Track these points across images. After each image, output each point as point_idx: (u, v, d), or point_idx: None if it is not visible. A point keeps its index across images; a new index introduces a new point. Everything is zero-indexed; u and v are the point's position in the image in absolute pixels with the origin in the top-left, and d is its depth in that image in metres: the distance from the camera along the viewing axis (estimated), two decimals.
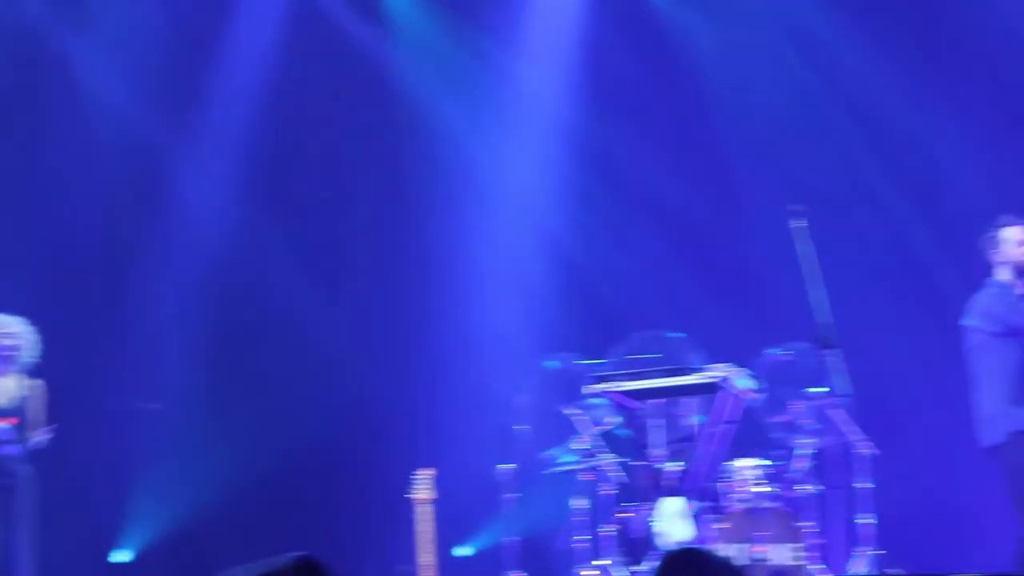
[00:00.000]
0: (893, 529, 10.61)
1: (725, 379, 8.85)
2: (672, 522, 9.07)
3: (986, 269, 12.17)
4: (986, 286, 9.28)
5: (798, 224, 9.13)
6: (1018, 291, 9.12)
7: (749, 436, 10.43)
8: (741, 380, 8.77)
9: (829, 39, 12.59)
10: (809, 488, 10.27)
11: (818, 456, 10.35)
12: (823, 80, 12.63)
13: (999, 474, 9.22)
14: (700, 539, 9.40)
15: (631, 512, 9.91)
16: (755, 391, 9.39)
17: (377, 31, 12.82)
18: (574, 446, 10.28)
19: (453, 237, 12.67)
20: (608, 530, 9.95)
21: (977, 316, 9.15)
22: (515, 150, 12.83)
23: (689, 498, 9.22)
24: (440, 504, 9.96)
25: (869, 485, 10.41)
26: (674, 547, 7.84)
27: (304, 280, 12.46)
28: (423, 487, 9.78)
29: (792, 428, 10.51)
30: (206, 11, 12.49)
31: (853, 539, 10.43)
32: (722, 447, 9.50)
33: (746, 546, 9.80)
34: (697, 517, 9.38)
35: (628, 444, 10.15)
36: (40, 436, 10.13)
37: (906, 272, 12.48)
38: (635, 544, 9.76)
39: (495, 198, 12.79)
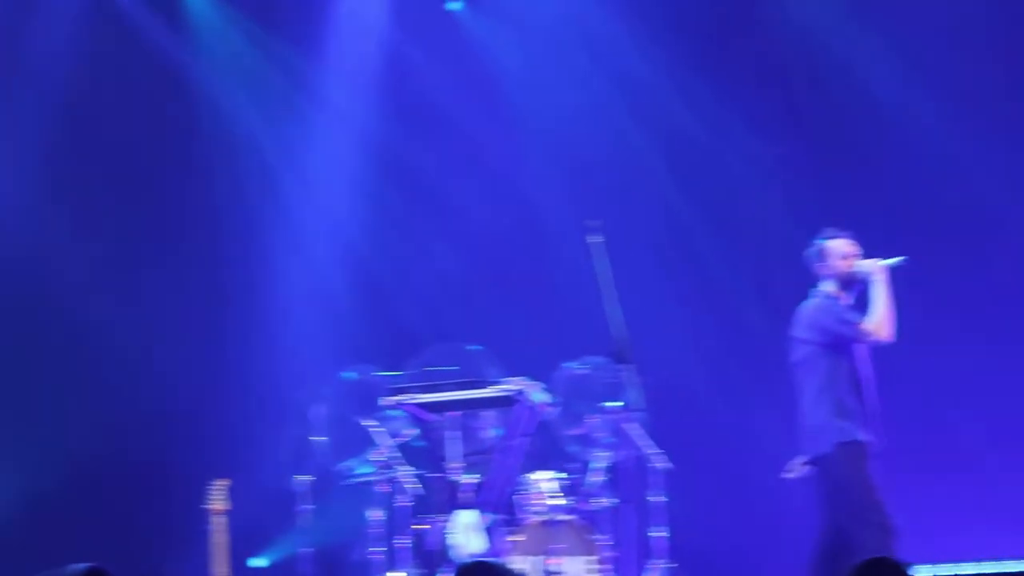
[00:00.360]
0: (685, 543, 10.76)
1: (521, 392, 8.88)
2: (467, 534, 9.07)
3: (777, 284, 12.50)
4: (811, 297, 9.32)
5: (594, 239, 9.20)
6: (843, 303, 9.17)
7: (545, 449, 10.49)
8: (536, 393, 8.80)
9: (628, 53, 12.72)
10: (604, 501, 10.36)
11: (613, 470, 10.44)
12: (622, 93, 12.75)
13: (817, 486, 9.26)
14: (494, 552, 9.41)
15: (427, 524, 9.90)
16: (550, 404, 9.44)
17: (179, 37, 12.64)
18: (371, 458, 10.24)
19: (252, 246, 12.52)
20: (404, 542, 9.93)
21: (805, 328, 9.18)
22: (316, 160, 12.74)
23: (484, 511, 9.23)
24: (235, 515, 9.85)
25: (662, 499, 10.55)
26: (467, 559, 7.86)
27: (98, 284, 12.19)
28: (218, 498, 9.67)
29: (588, 441, 10.59)
30: (3, 8, 12.20)
31: (646, 552, 10.55)
32: (518, 460, 9.52)
33: (541, 559, 9.84)
34: (491, 530, 9.39)
35: (424, 456, 10.13)
36: None
37: (701, 287, 12.65)
38: (430, 556, 9.75)
39: (295, 208, 12.68)
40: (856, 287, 9.22)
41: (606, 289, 9.02)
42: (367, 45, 12.69)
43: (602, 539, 10.20)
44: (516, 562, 9.66)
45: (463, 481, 9.72)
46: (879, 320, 8.98)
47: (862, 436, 8.96)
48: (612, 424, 10.49)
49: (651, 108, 12.76)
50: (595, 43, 12.73)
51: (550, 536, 9.90)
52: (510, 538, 9.79)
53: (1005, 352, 12.02)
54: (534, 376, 9.80)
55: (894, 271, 9.16)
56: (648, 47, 12.67)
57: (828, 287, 9.21)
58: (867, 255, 9.26)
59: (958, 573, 6.64)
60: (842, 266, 9.15)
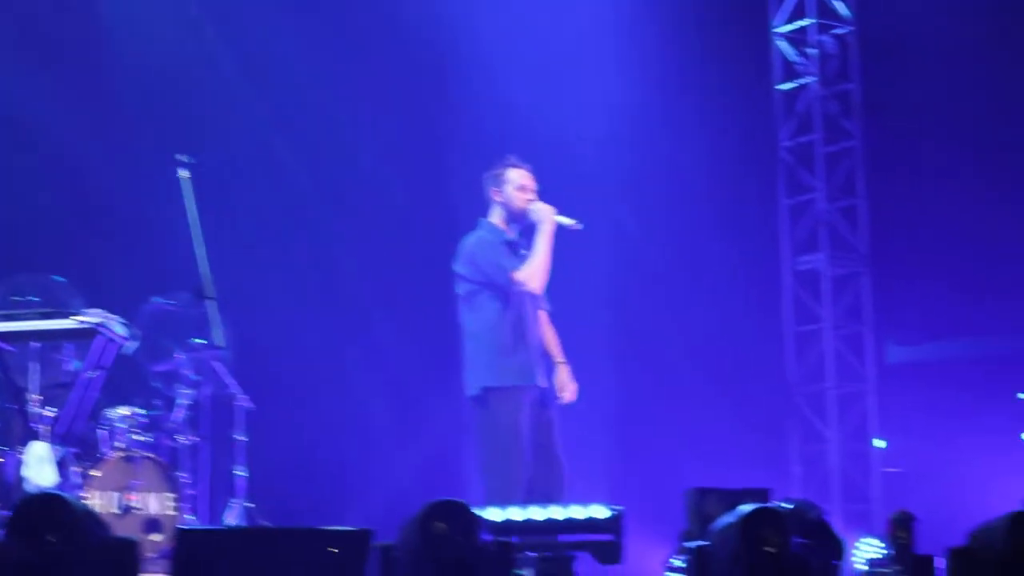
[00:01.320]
0: (264, 482, 10.85)
1: (101, 325, 8.71)
2: (39, 467, 8.87)
3: (375, 233, 12.69)
4: (477, 227, 8.92)
5: (184, 174, 9.10)
6: (509, 236, 8.79)
7: (128, 384, 10.38)
8: (117, 326, 8.65)
9: None
10: (185, 438, 10.33)
11: (196, 407, 10.44)
12: (226, 31, 12.65)
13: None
14: (68, 486, 9.26)
15: (2, 457, 9.66)
16: (132, 338, 9.31)
17: None
18: None
19: None
20: None
21: (464, 262, 8.74)
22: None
23: (60, 444, 9.06)
24: None
25: (244, 438, 10.60)
26: (34, 492, 7.72)
27: None
28: None
29: (172, 378, 10.54)
30: None
31: (227, 490, 10.58)
32: (95, 394, 9.37)
33: (119, 494, 9.74)
34: (63, 463, 9.22)
35: (1, 387, 9.87)
36: None
37: (296, 230, 12.72)
38: (6, 489, 9.51)
39: None
40: (521, 224, 8.82)
41: (193, 224, 8.91)
42: None
43: (182, 476, 10.18)
44: (92, 497, 9.54)
45: (41, 413, 9.51)
46: (532, 271, 8.60)
47: (505, 381, 8.56)
48: (197, 361, 10.47)
49: (254, 48, 12.71)
50: None
51: (129, 472, 9.80)
52: (90, 472, 9.66)
53: None
54: (121, 310, 9.63)
55: (562, 230, 8.75)
56: None
57: (495, 216, 8.79)
58: None
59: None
60: (516, 198, 8.72)
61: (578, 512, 6.94)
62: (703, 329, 12.70)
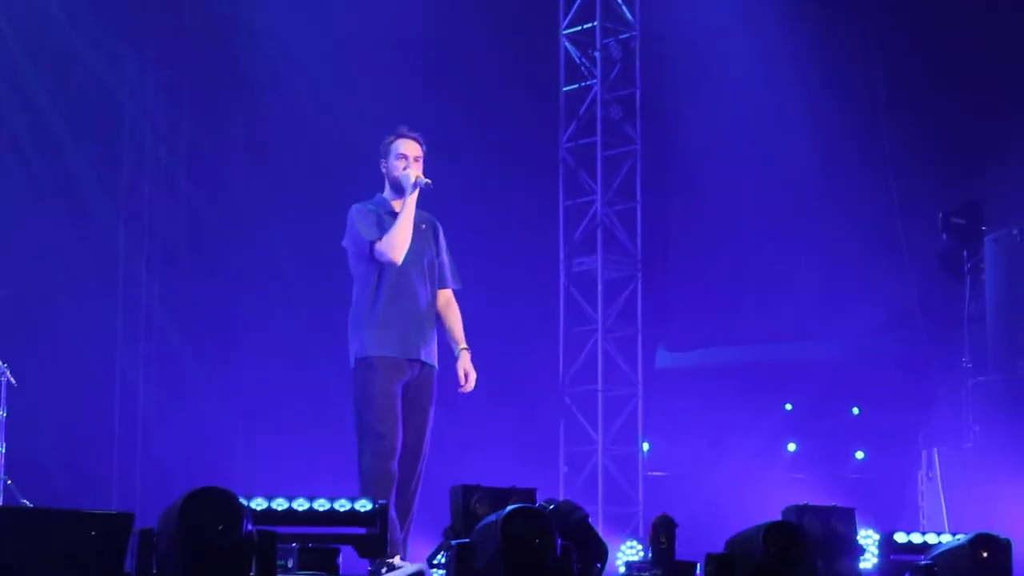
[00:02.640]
0: (26, 459, 10.63)
1: None
2: None
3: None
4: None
5: None
6: (395, 209, 8.31)
7: None
8: None
9: None
10: None
11: None
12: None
13: None
14: None
15: None
16: None
17: None
18: None
19: None
20: None
21: (346, 232, 8.37)
22: None
23: None
24: None
25: (3, 413, 10.35)
26: None
27: None
28: None
29: None
30: None
31: None
32: None
33: None
34: None
35: None
36: None
37: (63, 196, 12.52)
38: None
39: None
40: (403, 194, 8.31)
41: None
42: None
43: None
44: None
45: None
46: (389, 239, 8.18)
47: (380, 351, 8.17)
48: None
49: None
50: None
51: None
52: None
53: None
54: None
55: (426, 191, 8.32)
56: None
57: (386, 190, 8.42)
58: None
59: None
60: (393, 167, 8.32)
61: (342, 504, 6.90)
62: (480, 325, 12.74)
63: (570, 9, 14.02)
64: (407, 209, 8.21)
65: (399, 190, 8.29)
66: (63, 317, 12.22)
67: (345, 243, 8.38)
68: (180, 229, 13.44)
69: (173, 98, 13.40)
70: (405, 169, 8.29)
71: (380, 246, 8.17)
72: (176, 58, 13.28)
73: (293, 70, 13.10)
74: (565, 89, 14.08)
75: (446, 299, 8.56)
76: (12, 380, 10.45)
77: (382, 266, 8.22)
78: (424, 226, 8.45)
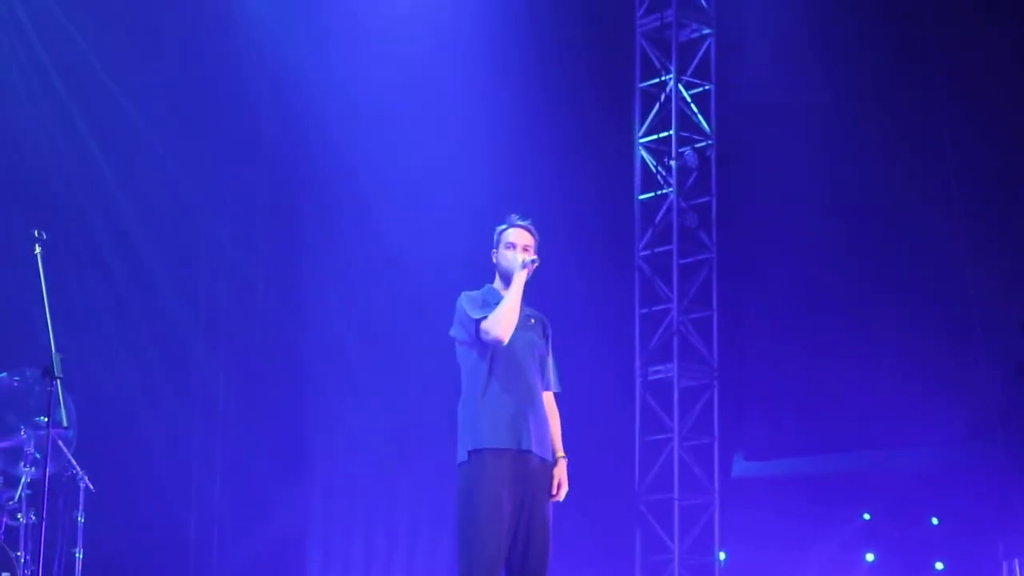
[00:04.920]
0: (104, 565, 10.67)
1: None
2: None
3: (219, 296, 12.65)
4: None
5: (38, 250, 8.93)
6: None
7: None
8: None
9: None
10: (24, 518, 10.12)
11: (35, 485, 10.22)
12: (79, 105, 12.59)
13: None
14: None
15: None
16: None
17: None
18: None
19: None
20: None
21: (454, 320, 8.13)
22: None
23: None
24: None
25: (82, 519, 10.42)
26: None
27: None
28: None
29: (13, 455, 10.32)
30: None
31: (65, 572, 10.37)
32: None
33: None
34: None
35: None
36: None
37: (142, 304, 12.64)
38: None
39: None
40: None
41: (43, 301, 8.72)
42: None
43: (20, 556, 9.96)
44: None
45: None
46: (495, 317, 7.90)
47: (494, 443, 7.83)
48: (40, 440, 10.26)
49: (96, 113, 12.63)
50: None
51: None
52: None
53: None
54: None
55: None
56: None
57: (496, 280, 8.21)
58: None
59: None
60: (503, 256, 8.13)
61: None
62: None
63: (646, 118, 14.14)
64: (513, 288, 8.02)
65: (509, 280, 8.09)
66: (140, 424, 12.32)
67: (453, 332, 8.13)
68: (256, 337, 13.53)
69: (247, 200, 13.55)
70: (508, 255, 8.12)
71: (486, 324, 7.91)
72: (250, 158, 13.45)
73: (370, 175, 13.25)
74: (641, 197, 14.16)
75: (549, 402, 8.24)
76: (91, 486, 10.51)
77: (494, 354, 7.96)
78: (534, 320, 8.37)
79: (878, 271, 13.35)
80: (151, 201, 12.72)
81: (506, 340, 7.93)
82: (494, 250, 8.24)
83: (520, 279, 8.05)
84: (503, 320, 7.92)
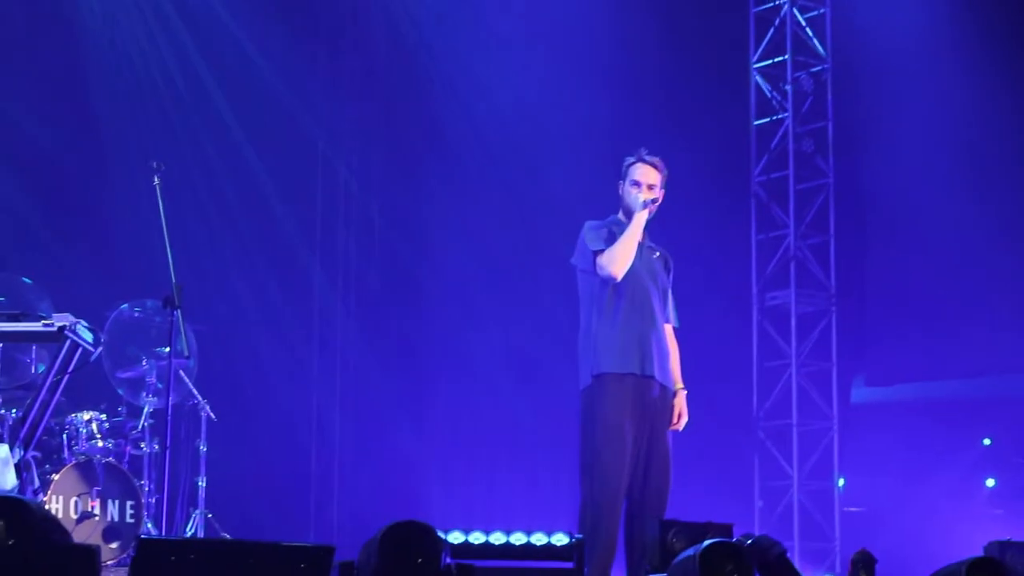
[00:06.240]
0: (226, 493, 10.83)
1: (69, 328, 8.64)
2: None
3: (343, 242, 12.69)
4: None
5: (157, 181, 9.01)
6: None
7: (92, 390, 10.33)
8: (83, 331, 8.59)
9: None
10: (147, 447, 10.29)
11: (158, 415, 10.39)
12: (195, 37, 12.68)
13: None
14: (29, 490, 9.20)
15: None
16: (97, 344, 9.25)
17: None
18: None
19: None
20: None
21: (576, 249, 8.21)
22: None
23: (20, 447, 8.99)
24: None
25: (205, 448, 10.58)
26: None
27: None
28: None
29: (137, 385, 10.49)
30: None
31: (188, 500, 10.55)
32: (58, 397, 9.29)
33: (79, 499, 9.69)
34: (23, 466, 9.15)
35: None
36: None
37: (259, 233, 12.75)
38: None
39: None
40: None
41: (164, 232, 8.81)
42: None
43: (143, 484, 10.13)
44: (51, 501, 9.48)
45: (2, 415, 9.46)
46: (611, 254, 7.95)
47: (619, 367, 7.91)
48: (161, 369, 10.42)
49: (213, 45, 12.71)
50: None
51: (90, 478, 9.76)
52: (50, 477, 9.61)
53: None
54: (88, 315, 9.59)
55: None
56: None
57: (620, 212, 8.27)
58: None
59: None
60: (627, 193, 8.17)
61: (538, 539, 6.92)
62: None
63: (761, 43, 13.97)
64: (633, 227, 8.05)
65: (631, 216, 8.14)
66: (261, 354, 12.47)
67: (574, 260, 8.22)
68: (375, 267, 13.62)
69: (365, 137, 13.60)
70: (634, 192, 8.17)
71: (602, 259, 7.97)
72: (367, 93, 13.50)
73: (485, 107, 13.25)
74: (756, 123, 14.02)
75: (669, 334, 8.32)
76: (212, 415, 10.66)
77: (611, 284, 8.00)
78: (658, 254, 8.35)
79: (1001, 196, 13.10)
80: (267, 132, 12.80)
81: (619, 277, 7.98)
82: (620, 182, 8.26)
83: (640, 219, 8.11)
84: (618, 258, 7.96)
